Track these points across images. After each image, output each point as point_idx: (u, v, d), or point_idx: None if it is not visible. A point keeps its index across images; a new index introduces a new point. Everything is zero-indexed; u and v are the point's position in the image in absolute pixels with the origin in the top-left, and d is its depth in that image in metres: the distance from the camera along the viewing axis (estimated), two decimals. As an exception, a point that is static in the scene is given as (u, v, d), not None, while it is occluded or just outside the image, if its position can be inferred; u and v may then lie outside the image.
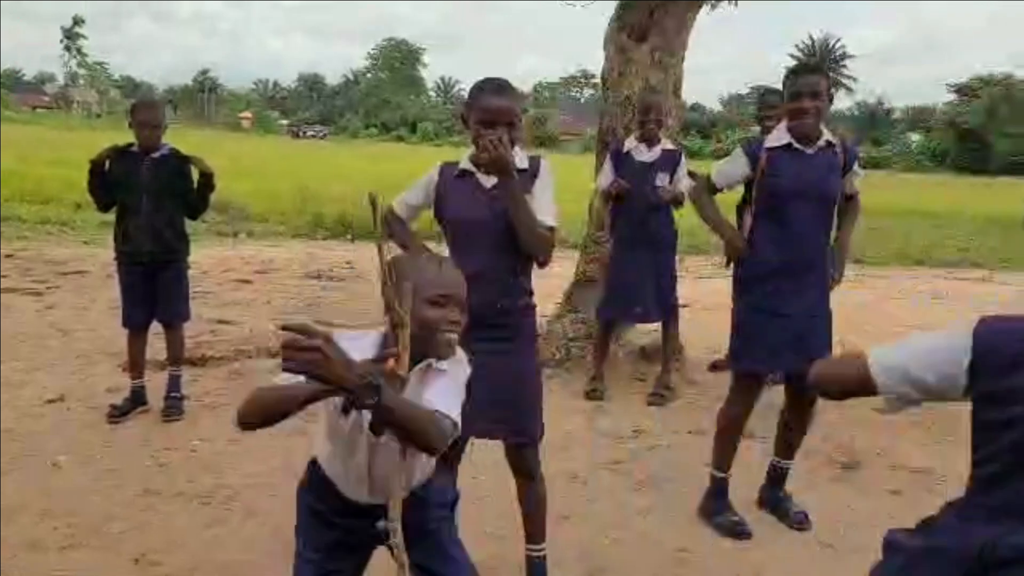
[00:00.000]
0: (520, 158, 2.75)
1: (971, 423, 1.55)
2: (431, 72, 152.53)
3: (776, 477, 3.87)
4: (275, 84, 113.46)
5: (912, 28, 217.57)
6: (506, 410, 2.79)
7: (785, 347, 3.49)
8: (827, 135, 3.52)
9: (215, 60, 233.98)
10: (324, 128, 79.95)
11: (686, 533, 3.60)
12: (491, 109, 2.65)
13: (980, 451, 1.54)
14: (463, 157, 2.85)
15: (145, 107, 4.66)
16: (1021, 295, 10.34)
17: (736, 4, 7.05)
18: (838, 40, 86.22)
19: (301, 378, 1.65)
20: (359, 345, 1.83)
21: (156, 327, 4.79)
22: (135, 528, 3.40)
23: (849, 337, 4.44)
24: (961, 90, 71.79)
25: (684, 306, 6.03)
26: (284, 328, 1.62)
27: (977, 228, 19.00)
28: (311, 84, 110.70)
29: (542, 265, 2.77)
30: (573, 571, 3.22)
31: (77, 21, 75.03)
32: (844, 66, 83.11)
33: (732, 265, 3.85)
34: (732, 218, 4.61)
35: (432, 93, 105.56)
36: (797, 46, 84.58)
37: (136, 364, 4.79)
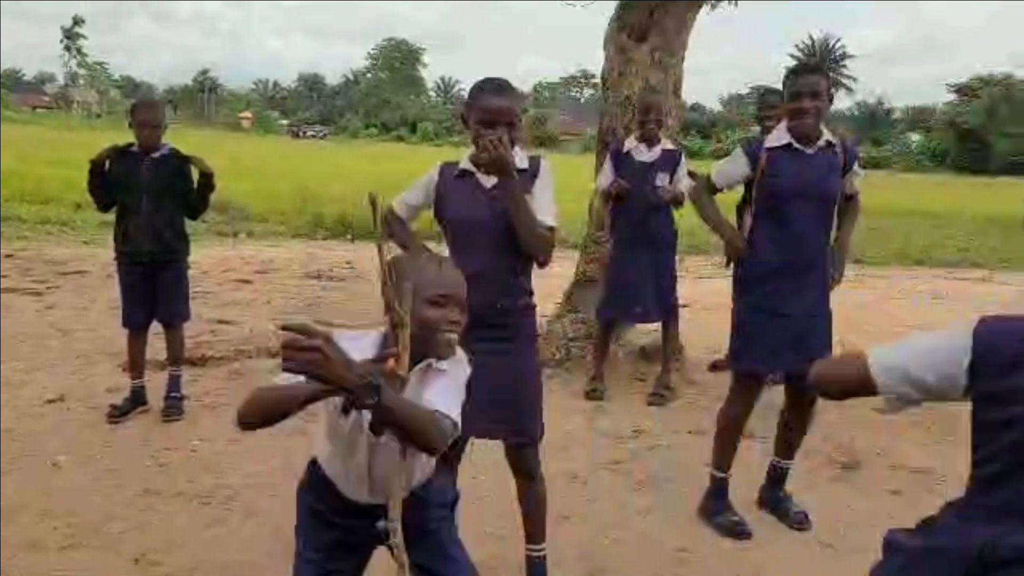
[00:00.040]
0: (520, 158, 2.75)
1: (971, 423, 1.55)
2: (431, 72, 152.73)
3: (776, 477, 3.87)
4: (275, 84, 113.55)
5: (912, 28, 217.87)
6: (506, 410, 2.79)
7: (785, 347, 3.49)
8: (827, 135, 3.52)
9: (215, 60, 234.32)
10: (324, 128, 79.94)
11: (686, 533, 3.60)
12: (491, 109, 2.65)
13: (980, 451, 1.54)
14: (463, 157, 2.85)
15: (145, 107, 4.66)
16: (1021, 295, 10.34)
17: (736, 4, 7.06)
18: (838, 40, 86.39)
19: (301, 378, 1.65)
20: (359, 345, 1.83)
21: (156, 327, 4.79)
22: (135, 528, 3.40)
23: (849, 337, 4.44)
24: (961, 90, 71.81)
25: (684, 306, 6.03)
26: (284, 328, 1.62)
27: (977, 228, 19.01)
28: (311, 84, 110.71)
29: (542, 265, 2.77)
30: (573, 571, 3.22)
31: (77, 21, 75.08)
32: (844, 66, 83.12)
33: (732, 265, 3.85)
34: (732, 218, 4.61)
35: (432, 93, 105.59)
36: (797, 46, 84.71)
37: (136, 364, 4.79)
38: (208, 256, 9.81)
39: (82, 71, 77.35)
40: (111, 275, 5.34)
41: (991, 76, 69.38)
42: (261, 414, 1.78)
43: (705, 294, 8.32)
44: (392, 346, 1.83)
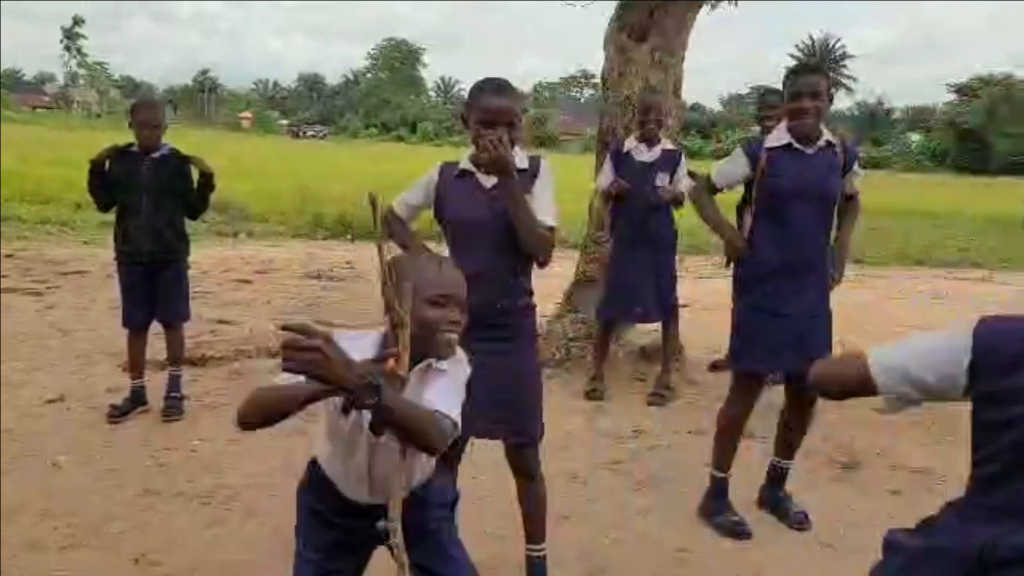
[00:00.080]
0: (520, 158, 2.75)
1: (971, 423, 1.55)
2: (431, 72, 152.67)
3: (776, 477, 3.87)
4: (275, 84, 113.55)
5: (912, 28, 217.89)
6: (506, 410, 2.79)
7: (785, 347, 3.49)
8: (827, 135, 3.52)
9: (215, 60, 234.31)
10: (324, 128, 79.94)
11: (686, 533, 3.60)
12: (491, 109, 2.65)
13: (980, 451, 1.54)
14: (463, 157, 2.85)
15: (145, 107, 4.66)
16: (1021, 295, 10.34)
17: (736, 4, 7.06)
18: (838, 40, 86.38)
19: (301, 378, 1.65)
20: (359, 345, 1.83)
21: (156, 327, 4.79)
22: (135, 528, 3.40)
23: (849, 337, 4.44)
24: (961, 90, 71.82)
25: (684, 306, 6.03)
26: (284, 328, 1.62)
27: (977, 228, 19.00)
28: (311, 84, 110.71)
29: (542, 265, 2.77)
30: (573, 571, 3.22)
31: (77, 21, 75.08)
32: (844, 66, 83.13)
33: (732, 265, 3.85)
34: (732, 218, 4.61)
35: (432, 93, 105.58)
36: (797, 46, 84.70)
37: (136, 364, 4.79)
38: (208, 256, 9.81)
39: (82, 71, 77.38)
40: (111, 275, 5.33)
41: (991, 76, 69.41)
42: (261, 414, 1.77)
43: (705, 294, 8.32)
44: (392, 346, 1.83)
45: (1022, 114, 61.04)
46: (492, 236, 2.70)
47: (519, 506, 3.04)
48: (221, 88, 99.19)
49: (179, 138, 5.83)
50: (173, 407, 4.72)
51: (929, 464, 4.44)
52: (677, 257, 5.62)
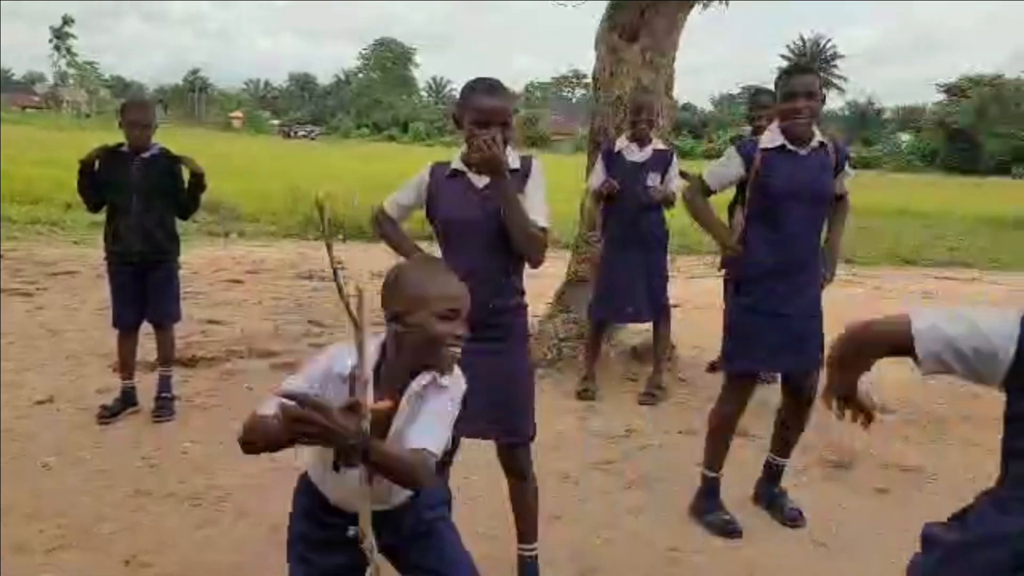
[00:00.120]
0: (512, 158, 2.75)
1: (1004, 415, 1.52)
2: (423, 72, 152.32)
3: (772, 474, 3.88)
4: (266, 84, 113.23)
5: (902, 28, 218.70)
6: (498, 410, 2.79)
7: (784, 348, 3.50)
8: (819, 136, 3.52)
9: (205, 60, 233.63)
10: (315, 128, 79.70)
11: (677, 532, 3.60)
12: (485, 109, 2.65)
13: (1012, 443, 1.51)
14: (454, 157, 2.85)
15: (135, 107, 4.65)
16: (1011, 295, 10.39)
17: (727, 4, 7.06)
18: (828, 40, 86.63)
19: (288, 402, 1.68)
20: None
21: (147, 328, 4.77)
22: (125, 529, 3.39)
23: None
24: (951, 90, 72.18)
25: (675, 306, 6.04)
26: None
27: (967, 228, 19.06)
28: (302, 84, 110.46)
29: (535, 265, 2.76)
30: (565, 571, 3.22)
31: (67, 21, 74.80)
32: (835, 66, 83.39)
33: (725, 267, 3.86)
34: (724, 217, 4.62)
35: (424, 93, 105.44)
36: (788, 46, 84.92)
37: (126, 365, 4.77)
38: (199, 256, 9.79)
39: (72, 71, 77.12)
40: (101, 275, 5.32)
41: (980, 76, 69.75)
42: (263, 441, 1.81)
43: (696, 294, 8.34)
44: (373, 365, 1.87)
45: (1011, 114, 61.31)
46: (484, 236, 2.70)
47: (511, 506, 3.04)
48: (212, 88, 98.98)
49: (169, 138, 5.81)
50: (164, 408, 4.70)
51: (921, 463, 4.45)
52: (668, 257, 5.62)
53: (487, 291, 2.67)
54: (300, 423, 1.65)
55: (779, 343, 3.50)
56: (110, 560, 3.15)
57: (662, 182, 5.28)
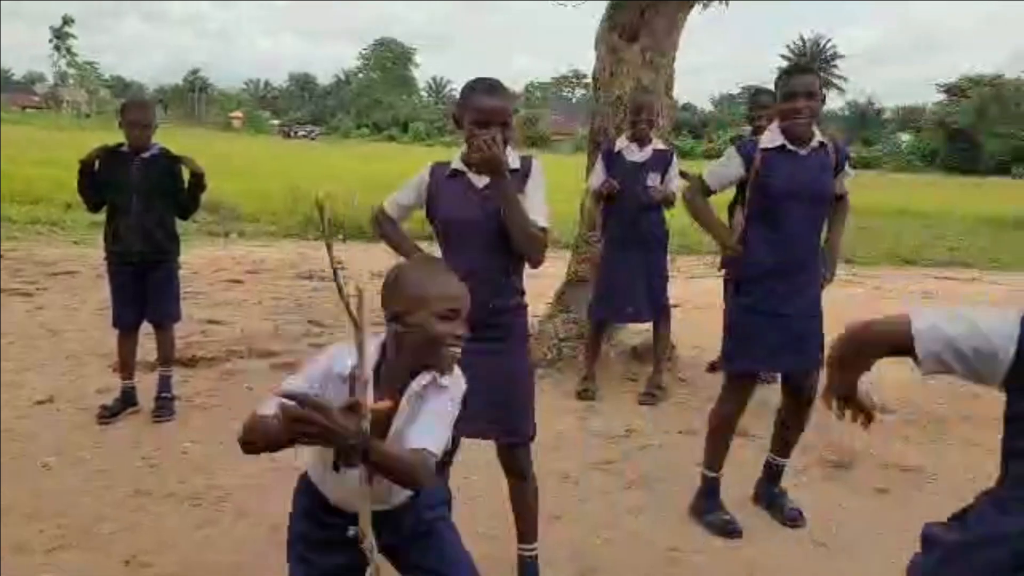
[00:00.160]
0: (512, 158, 2.75)
1: (1004, 415, 1.52)
2: (423, 72, 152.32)
3: (772, 474, 3.88)
4: (266, 84, 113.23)
5: (902, 28, 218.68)
6: (498, 410, 2.79)
7: (785, 348, 3.50)
8: (819, 135, 3.52)
9: (205, 60, 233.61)
10: (315, 128, 79.71)
11: (677, 532, 3.60)
12: (485, 109, 2.65)
13: (1012, 443, 1.51)
14: (454, 157, 2.85)
15: (135, 107, 4.65)
16: (1011, 295, 10.39)
17: (727, 4, 7.06)
18: (828, 40, 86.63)
19: (288, 402, 1.68)
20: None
21: (147, 328, 4.77)
22: (125, 529, 3.39)
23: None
24: (951, 90, 72.18)
25: (675, 306, 6.04)
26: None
27: (967, 228, 19.06)
28: (302, 84, 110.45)
29: (535, 265, 2.76)
30: (565, 571, 3.22)
31: (67, 21, 74.81)
32: (835, 66, 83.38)
33: (725, 267, 3.86)
34: (724, 217, 4.62)
35: (423, 93, 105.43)
36: (788, 46, 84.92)
37: (126, 365, 4.77)
38: (199, 256, 9.79)
39: (72, 71, 77.12)
40: (101, 275, 5.31)
41: (980, 76, 69.76)
42: (263, 441, 1.81)
43: (696, 294, 8.34)
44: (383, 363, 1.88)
45: (1011, 114, 61.32)
46: (484, 236, 2.70)
47: (511, 506, 3.04)
48: (212, 88, 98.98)
49: (169, 138, 5.81)
50: (164, 408, 4.70)
51: (921, 463, 4.45)
52: (668, 257, 5.63)
53: (487, 291, 2.67)
54: (300, 423, 1.65)
55: (779, 343, 3.50)
56: (110, 560, 3.15)
57: (662, 182, 5.28)
